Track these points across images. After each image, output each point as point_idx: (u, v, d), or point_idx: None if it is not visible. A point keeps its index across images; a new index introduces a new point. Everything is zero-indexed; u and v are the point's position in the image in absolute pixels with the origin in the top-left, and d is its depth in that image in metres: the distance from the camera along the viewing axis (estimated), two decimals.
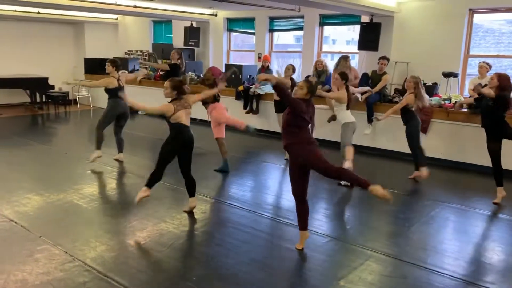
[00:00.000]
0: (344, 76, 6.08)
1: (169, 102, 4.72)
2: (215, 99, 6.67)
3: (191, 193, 4.96)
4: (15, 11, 10.57)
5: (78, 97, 12.87)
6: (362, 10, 7.70)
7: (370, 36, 8.30)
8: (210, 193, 5.64)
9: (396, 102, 7.76)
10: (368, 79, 8.02)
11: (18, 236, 4.24)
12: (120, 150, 7.01)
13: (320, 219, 5.00)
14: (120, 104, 6.58)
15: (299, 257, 4.03)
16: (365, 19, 8.59)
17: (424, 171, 6.23)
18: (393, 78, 8.29)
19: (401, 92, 8.01)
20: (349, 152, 6.12)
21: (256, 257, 3.96)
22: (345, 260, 4.03)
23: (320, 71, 8.45)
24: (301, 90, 3.97)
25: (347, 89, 6.11)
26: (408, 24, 8.27)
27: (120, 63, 7.02)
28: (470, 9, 7.71)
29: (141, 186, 4.85)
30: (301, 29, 10.19)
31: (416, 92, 6.08)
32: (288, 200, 5.69)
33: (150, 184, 4.83)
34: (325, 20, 9.76)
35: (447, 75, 7.74)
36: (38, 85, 11.89)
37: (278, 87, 3.93)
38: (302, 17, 9.81)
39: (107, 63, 6.77)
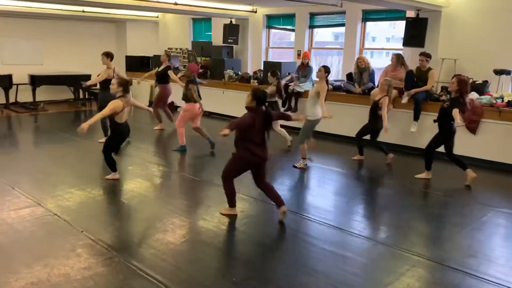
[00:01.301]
0: (327, 69, 6.24)
1: (116, 98, 5.35)
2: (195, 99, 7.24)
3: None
4: (61, 9, 10.88)
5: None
6: (409, 4, 7.40)
7: (416, 32, 7.96)
8: (249, 192, 5.55)
9: (443, 101, 7.43)
10: (414, 77, 7.71)
11: (61, 230, 4.30)
12: (106, 134, 7.34)
13: (363, 222, 4.82)
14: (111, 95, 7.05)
15: (342, 260, 3.87)
16: (410, 14, 8.27)
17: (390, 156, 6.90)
18: (440, 75, 7.93)
19: (448, 90, 7.65)
20: (304, 150, 6.44)
21: (298, 259, 3.84)
22: (391, 265, 3.84)
23: (362, 68, 8.21)
24: (247, 97, 4.35)
25: (326, 83, 6.20)
26: (457, 19, 7.88)
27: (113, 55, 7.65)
28: None
29: (182, 183, 4.83)
30: (342, 25, 9.95)
31: (389, 95, 6.65)
32: (329, 202, 5.54)
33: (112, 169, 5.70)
34: (367, 16, 9.47)
35: (498, 72, 7.32)
36: (81, 82, 12.19)
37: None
38: (343, 12, 9.57)
39: (102, 55, 7.46)
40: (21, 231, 4.26)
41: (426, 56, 7.52)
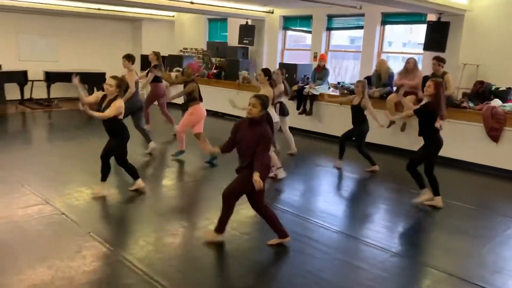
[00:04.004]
0: (267, 72, 5.96)
1: (115, 99, 4.85)
2: (198, 98, 6.66)
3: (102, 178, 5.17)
4: (77, 7, 10.87)
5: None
6: (431, 8, 7.17)
7: (437, 36, 7.71)
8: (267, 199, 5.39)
9: (464, 108, 7.20)
10: None
11: (68, 230, 4.19)
12: (148, 140, 7.08)
13: (379, 231, 4.61)
14: (137, 98, 6.92)
15: (357, 272, 3.69)
16: (431, 17, 8.04)
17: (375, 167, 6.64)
18: (461, 81, 7.68)
19: (469, 96, 7.41)
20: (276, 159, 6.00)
21: (311, 269, 3.66)
22: (410, 279, 3.65)
23: (381, 71, 8.01)
24: (255, 108, 3.82)
25: (271, 85, 5.92)
26: (480, 23, 7.63)
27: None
28: None
29: (196, 186, 4.69)
30: (360, 27, 9.74)
31: (365, 96, 6.45)
32: (342, 208, 5.36)
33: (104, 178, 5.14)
34: (387, 19, 9.26)
35: None
36: (95, 79, 12.16)
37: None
38: (362, 15, 9.37)
39: (123, 59, 7.02)
40: (27, 229, 4.16)
41: (439, 60, 7.29)
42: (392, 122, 7.64)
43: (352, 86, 8.75)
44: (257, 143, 3.72)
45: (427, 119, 5.04)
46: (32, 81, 11.74)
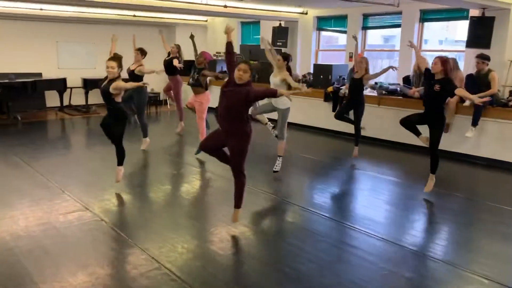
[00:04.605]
0: (286, 57, 6.09)
1: (115, 79, 5.05)
2: (205, 87, 7.17)
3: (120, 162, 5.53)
4: (113, 14, 11.07)
5: (168, 98, 13.20)
6: (474, 2, 6.85)
7: (481, 32, 7.36)
8: (298, 201, 5.27)
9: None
10: (475, 81, 7.14)
11: (107, 237, 4.20)
12: (145, 135, 7.53)
13: (427, 238, 4.40)
14: (145, 91, 7.36)
15: (403, 281, 3.51)
16: (474, 13, 7.68)
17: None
18: (508, 78, 7.30)
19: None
20: (282, 147, 6.17)
21: (355, 279, 3.51)
22: None
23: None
24: (245, 73, 3.99)
25: (288, 70, 6.05)
26: None
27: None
28: None
29: (226, 188, 4.62)
30: (397, 26, 9.46)
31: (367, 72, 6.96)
32: (383, 214, 5.15)
33: (121, 162, 5.51)
34: (426, 16, 8.94)
35: None
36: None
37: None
38: (400, 13, 9.09)
39: (135, 52, 7.75)
40: (68, 236, 4.20)
41: (483, 58, 6.95)
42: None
43: (391, 87, 8.51)
44: (246, 98, 3.93)
45: (444, 97, 5.24)
46: (71, 88, 12.04)
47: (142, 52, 7.82)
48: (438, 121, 5.31)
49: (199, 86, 7.13)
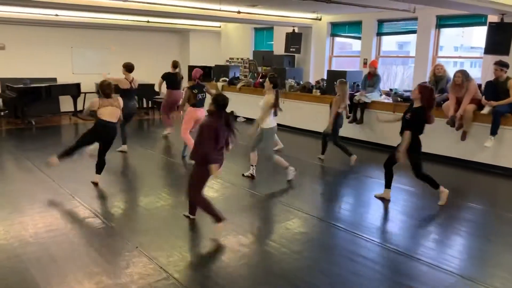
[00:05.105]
0: (272, 81, 6.05)
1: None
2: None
3: (98, 171, 5.86)
4: (127, 20, 11.13)
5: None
6: (493, 8, 6.69)
7: (500, 39, 7.19)
8: (312, 211, 5.15)
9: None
10: (494, 88, 6.97)
11: (116, 245, 4.14)
12: (124, 142, 7.69)
13: (445, 252, 4.23)
14: (127, 105, 6.98)
15: None
16: (493, 18, 7.51)
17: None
18: None
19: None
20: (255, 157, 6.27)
21: None
22: None
23: (439, 76, 7.56)
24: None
25: (276, 93, 6.01)
26: None
27: (132, 66, 7.96)
28: None
29: (237, 196, 4.52)
30: (413, 32, 9.32)
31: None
32: (399, 225, 5.00)
33: (61, 155, 5.69)
34: (442, 22, 8.78)
35: None
36: (145, 91, 12.40)
37: None
38: (415, 19, 8.94)
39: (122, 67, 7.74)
40: (77, 243, 4.15)
41: (501, 65, 6.77)
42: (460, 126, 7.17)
43: (406, 94, 8.35)
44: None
45: (418, 122, 5.09)
46: (85, 93, 12.11)
47: (124, 67, 7.91)
48: (410, 146, 5.14)
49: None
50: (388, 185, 5.59)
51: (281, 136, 7.78)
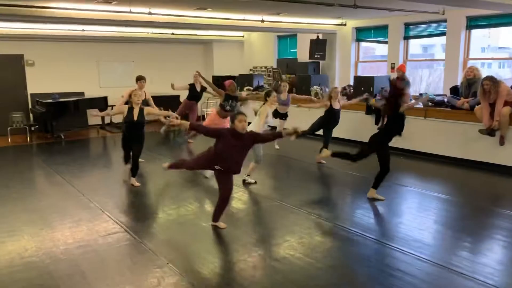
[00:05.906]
0: (267, 94, 6.43)
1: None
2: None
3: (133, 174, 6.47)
4: (152, 33, 11.24)
5: (206, 114, 13.23)
6: None
7: None
8: (344, 222, 4.99)
9: None
10: None
11: (146, 260, 4.07)
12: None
13: (488, 265, 4.01)
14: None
15: None
16: None
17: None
18: None
19: None
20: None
21: None
22: None
23: (471, 79, 7.31)
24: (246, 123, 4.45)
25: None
26: None
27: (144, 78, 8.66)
28: None
29: (269, 210, 4.41)
30: (441, 34, 9.06)
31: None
32: (436, 236, 4.79)
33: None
34: (473, 23, 8.51)
35: None
36: (170, 102, 12.47)
37: None
38: (444, 21, 8.69)
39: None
40: (106, 259, 4.11)
41: None
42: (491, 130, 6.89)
43: (438, 98, 8.11)
44: (251, 146, 4.60)
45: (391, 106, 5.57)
46: (112, 106, 12.25)
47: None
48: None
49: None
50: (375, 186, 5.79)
51: (315, 145, 7.67)
